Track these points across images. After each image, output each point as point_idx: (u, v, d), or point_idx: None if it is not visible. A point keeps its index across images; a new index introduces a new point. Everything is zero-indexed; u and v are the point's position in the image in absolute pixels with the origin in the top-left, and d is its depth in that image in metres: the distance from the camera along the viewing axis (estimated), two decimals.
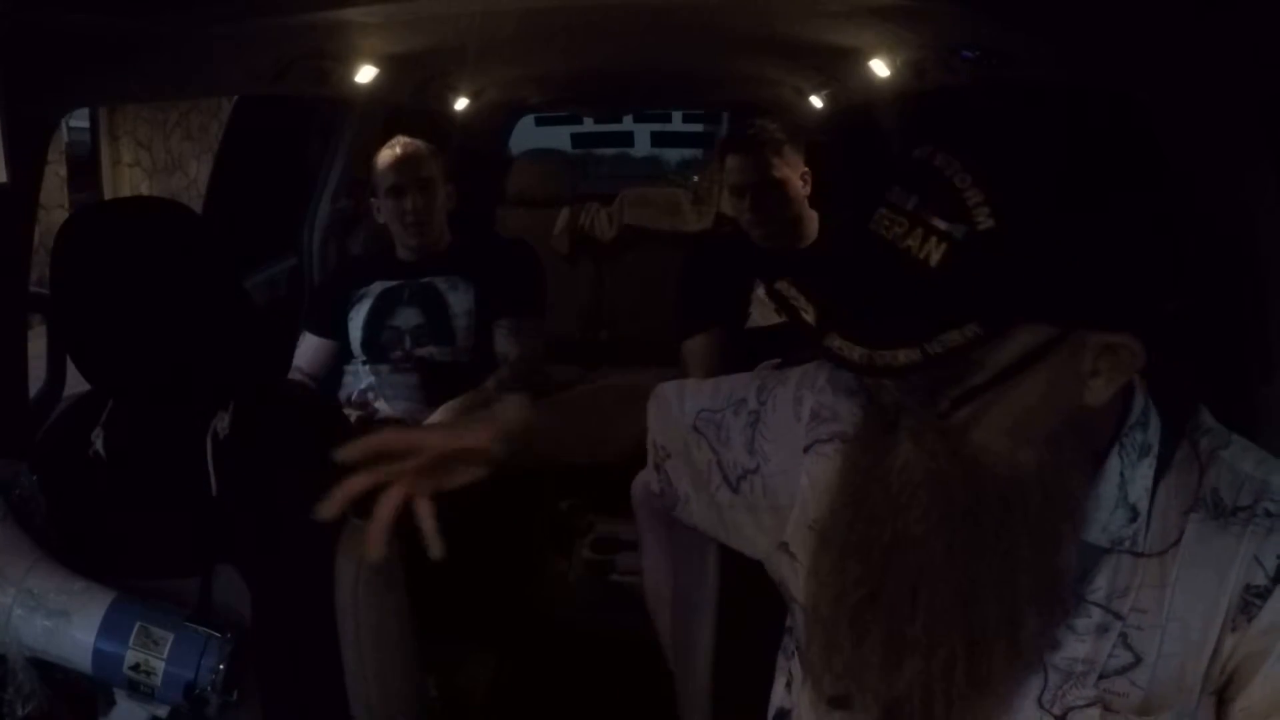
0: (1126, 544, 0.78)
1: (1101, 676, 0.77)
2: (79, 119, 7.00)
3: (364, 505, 1.18)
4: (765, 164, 2.17)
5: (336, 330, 2.29)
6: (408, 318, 2.25)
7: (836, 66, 2.62)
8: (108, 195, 7.11)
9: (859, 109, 2.85)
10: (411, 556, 1.18)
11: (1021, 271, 0.67)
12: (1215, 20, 1.10)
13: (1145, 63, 1.30)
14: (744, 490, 0.95)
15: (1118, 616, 0.77)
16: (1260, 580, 0.75)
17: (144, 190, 7.23)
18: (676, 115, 5.28)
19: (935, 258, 0.68)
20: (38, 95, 1.25)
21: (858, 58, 2.34)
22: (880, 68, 2.29)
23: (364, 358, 2.25)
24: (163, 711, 1.03)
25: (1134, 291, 0.71)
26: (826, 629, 0.83)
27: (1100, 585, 0.78)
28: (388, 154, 2.30)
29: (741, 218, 2.24)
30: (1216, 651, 0.76)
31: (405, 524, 1.19)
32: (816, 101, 3.22)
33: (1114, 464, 0.78)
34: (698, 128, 5.52)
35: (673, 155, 6.07)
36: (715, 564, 1.15)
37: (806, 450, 0.91)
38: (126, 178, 7.49)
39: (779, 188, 2.18)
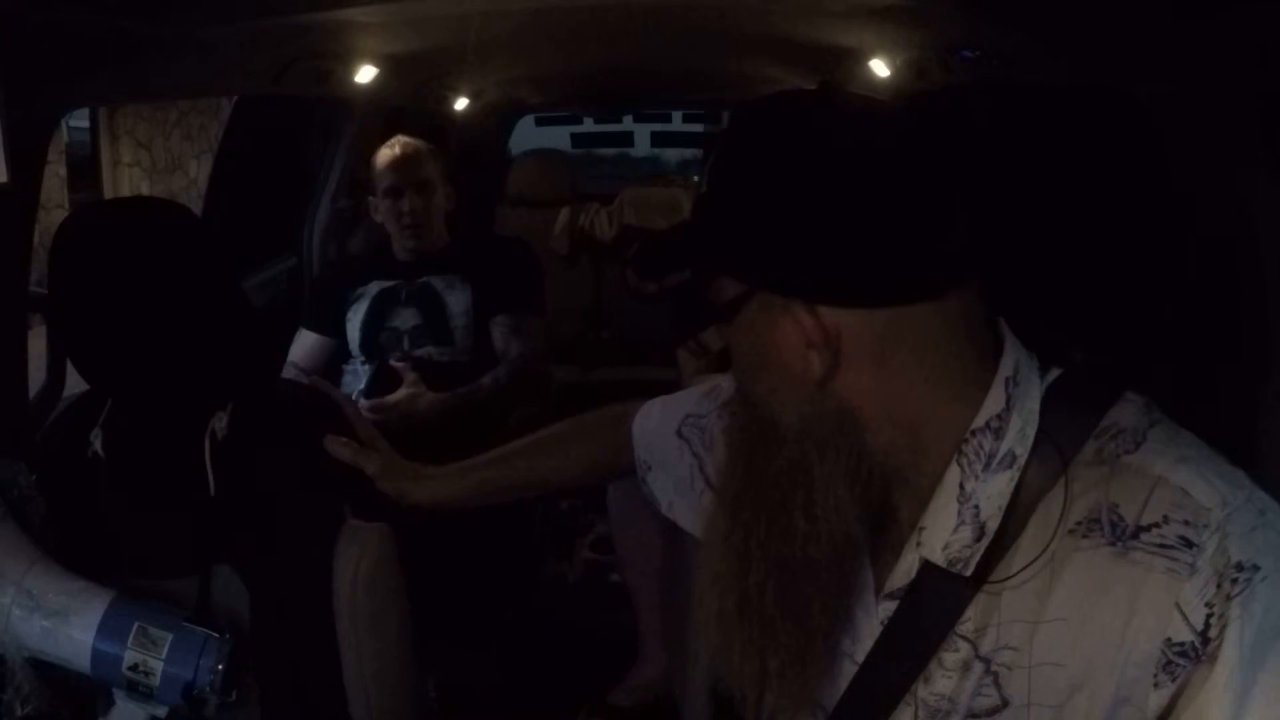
0: (960, 566, 0.71)
1: (969, 716, 0.72)
2: (79, 119, 7.00)
3: (364, 505, 1.19)
4: None
5: (334, 328, 2.29)
6: (406, 318, 2.25)
7: (836, 66, 2.62)
8: (108, 195, 7.11)
9: None
10: (412, 556, 1.18)
11: (717, 228, 0.74)
12: (1215, 20, 1.10)
13: (1145, 62, 1.30)
14: None
15: (978, 654, 0.71)
16: (1184, 635, 0.63)
17: (144, 190, 7.23)
18: (676, 115, 5.27)
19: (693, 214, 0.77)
20: (38, 95, 1.25)
21: (858, 58, 2.34)
22: (880, 68, 2.29)
23: (362, 357, 2.25)
24: (161, 712, 1.03)
25: (799, 262, 0.70)
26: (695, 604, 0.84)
27: (969, 617, 0.72)
28: (386, 154, 2.29)
29: None
30: (1124, 706, 0.66)
31: (405, 524, 1.20)
32: None
33: (952, 473, 0.71)
34: (698, 128, 5.52)
35: (673, 155, 6.06)
36: None
37: None
38: (126, 178, 7.49)
39: None
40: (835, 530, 0.73)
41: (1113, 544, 0.66)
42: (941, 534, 0.72)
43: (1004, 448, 0.70)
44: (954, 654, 0.72)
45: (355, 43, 2.09)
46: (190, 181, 7.75)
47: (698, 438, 1.01)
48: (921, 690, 0.74)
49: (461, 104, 3.37)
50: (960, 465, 0.71)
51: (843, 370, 0.70)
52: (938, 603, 0.73)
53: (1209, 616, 0.63)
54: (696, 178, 4.50)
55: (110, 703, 1.04)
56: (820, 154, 0.70)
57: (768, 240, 0.71)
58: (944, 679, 0.73)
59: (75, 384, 1.28)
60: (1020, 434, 0.71)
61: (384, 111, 2.94)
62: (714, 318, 0.76)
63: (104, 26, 1.26)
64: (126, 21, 1.29)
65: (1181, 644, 0.64)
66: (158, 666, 0.99)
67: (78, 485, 1.12)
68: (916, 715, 0.74)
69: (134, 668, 0.99)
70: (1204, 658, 0.63)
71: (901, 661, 0.75)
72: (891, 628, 0.75)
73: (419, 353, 2.22)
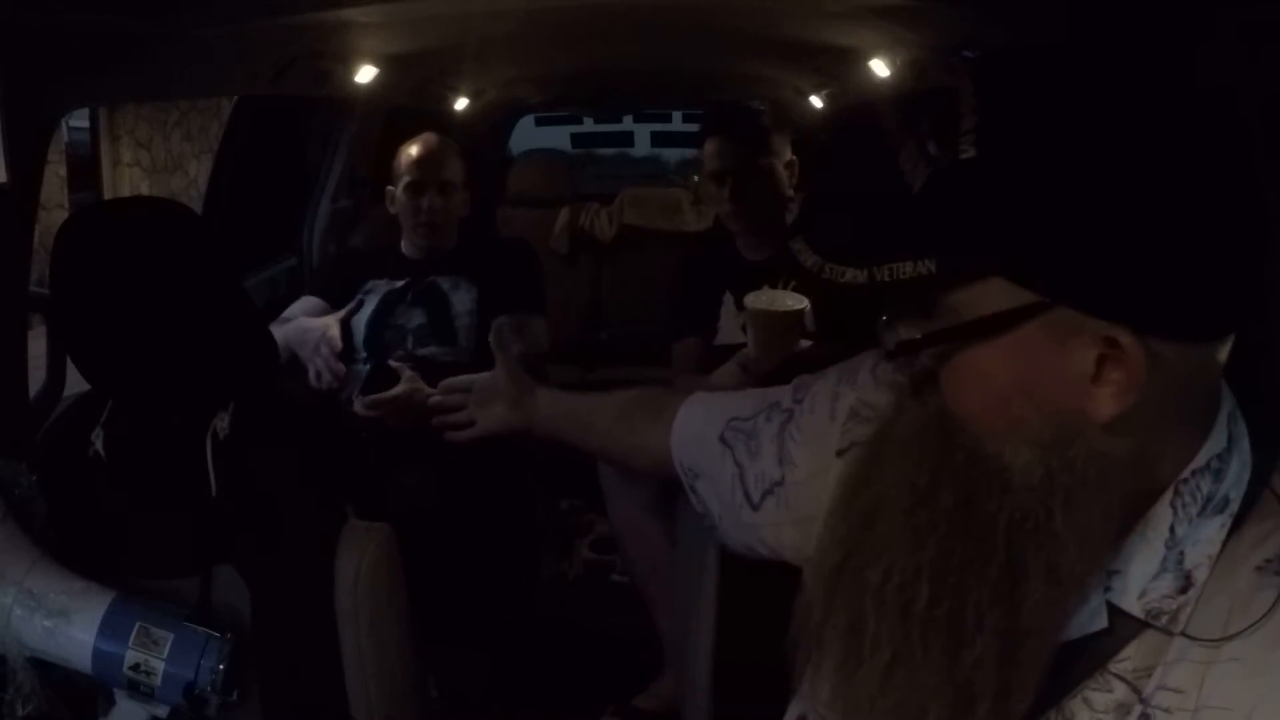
0: (1164, 620, 0.62)
1: None
2: (79, 119, 6.99)
3: (364, 505, 1.19)
4: (747, 150, 1.99)
5: (337, 305, 2.26)
6: (411, 317, 2.23)
7: (836, 66, 2.62)
8: (108, 195, 7.11)
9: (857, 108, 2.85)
10: (412, 556, 1.18)
11: (993, 212, 0.58)
12: (1215, 21, 1.10)
13: (1144, 62, 1.30)
14: (767, 508, 0.87)
15: (1140, 697, 0.63)
16: None
17: (144, 190, 7.23)
18: (676, 115, 5.27)
19: (917, 184, 0.61)
20: (38, 95, 1.25)
21: (858, 58, 2.34)
22: (880, 68, 2.29)
23: (366, 353, 2.23)
24: (162, 711, 1.03)
25: (1140, 277, 0.56)
26: (803, 626, 0.74)
27: (1129, 655, 0.63)
28: (414, 149, 2.25)
29: (720, 209, 2.07)
30: None
31: (406, 524, 1.20)
32: (816, 101, 3.22)
33: (1163, 516, 0.62)
34: (698, 128, 5.50)
35: (673, 155, 6.06)
36: (715, 563, 1.15)
37: (841, 454, 0.80)
38: (126, 178, 7.49)
39: (761, 177, 1.99)
40: (1073, 591, 0.62)
41: None
42: (1139, 580, 0.63)
43: (1221, 491, 0.63)
44: (1107, 694, 0.64)
45: (355, 43, 2.09)
46: (190, 181, 7.75)
47: (742, 444, 0.89)
48: None
49: (461, 104, 3.37)
50: (1174, 507, 0.62)
51: (1132, 415, 0.59)
52: (1102, 646, 0.64)
53: None
54: (696, 178, 4.50)
55: (111, 702, 1.04)
56: (1185, 144, 0.58)
57: (1097, 241, 0.56)
58: None
59: (75, 384, 1.28)
60: (1238, 478, 0.63)
61: (384, 111, 2.94)
62: (971, 332, 0.60)
63: (104, 26, 1.26)
64: (126, 21, 1.29)
65: None
66: (159, 666, 0.99)
67: (78, 485, 1.12)
68: None
69: (135, 667, 0.99)
70: None
71: (1039, 699, 0.65)
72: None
73: (423, 352, 2.20)
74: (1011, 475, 0.61)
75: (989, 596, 0.62)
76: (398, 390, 1.99)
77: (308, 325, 2.13)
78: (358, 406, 1.97)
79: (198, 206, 2.65)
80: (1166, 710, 0.62)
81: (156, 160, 7.71)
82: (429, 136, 2.28)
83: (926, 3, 1.75)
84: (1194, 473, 0.62)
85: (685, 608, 1.25)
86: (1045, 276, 0.58)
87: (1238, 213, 0.58)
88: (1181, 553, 0.62)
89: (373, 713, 1.13)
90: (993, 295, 0.59)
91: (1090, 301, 0.57)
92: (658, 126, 5.36)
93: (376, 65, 2.26)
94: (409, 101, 2.94)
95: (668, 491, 1.36)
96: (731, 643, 1.16)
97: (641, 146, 5.66)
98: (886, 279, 0.61)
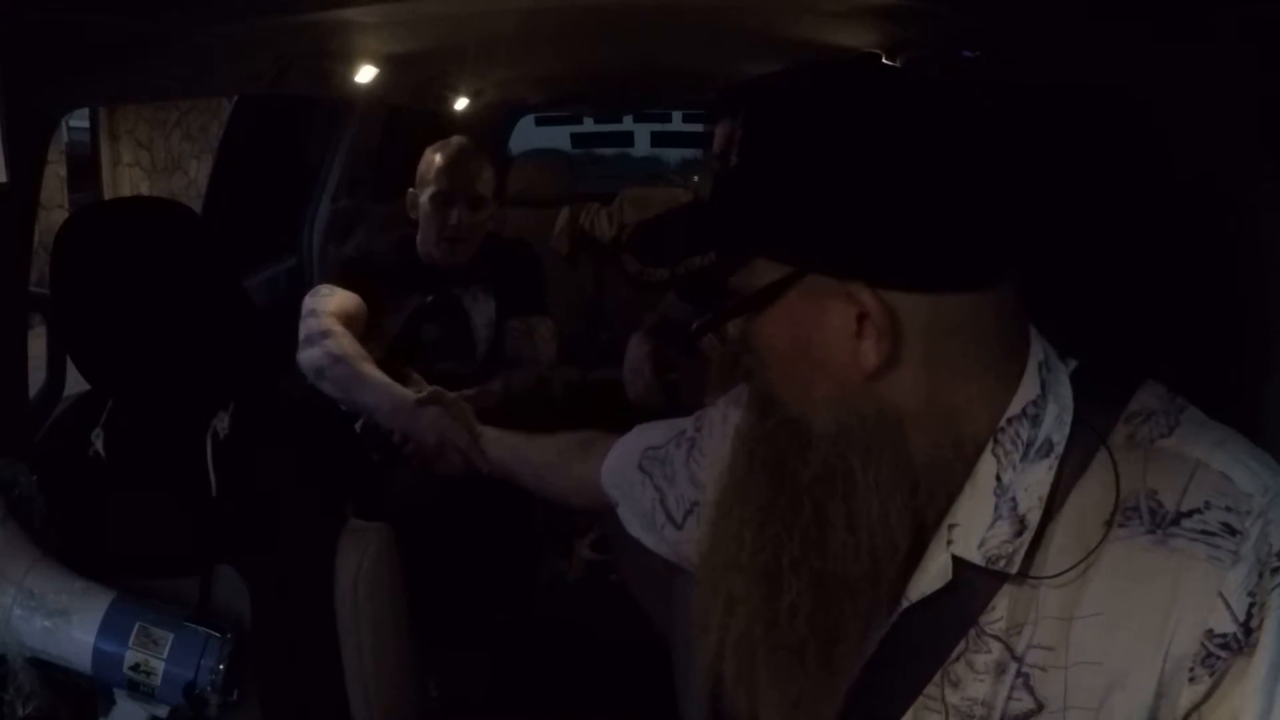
0: (1002, 564, 0.66)
1: None
2: (79, 119, 7.00)
3: (365, 505, 1.19)
4: None
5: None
6: (429, 332, 2.15)
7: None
8: (108, 195, 7.11)
9: None
10: (412, 556, 1.19)
11: (754, 206, 0.68)
12: (1216, 19, 1.11)
13: (1145, 62, 1.30)
14: (689, 525, 0.95)
15: (1013, 655, 0.66)
16: (1227, 626, 0.60)
17: (144, 190, 7.23)
18: (676, 115, 5.28)
19: (707, 193, 0.73)
20: (38, 95, 1.25)
21: None
22: None
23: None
24: (162, 711, 1.03)
25: (863, 241, 0.64)
26: (696, 606, 0.79)
27: (1000, 615, 0.67)
28: (441, 156, 2.06)
29: None
30: (1160, 702, 0.62)
31: (406, 524, 1.20)
32: None
33: (987, 464, 0.66)
34: (698, 128, 5.52)
35: (673, 155, 6.07)
36: None
37: None
38: (126, 178, 7.49)
39: None
40: (879, 543, 0.66)
41: (1151, 532, 0.63)
42: (977, 530, 0.67)
43: (1041, 435, 0.66)
44: (985, 655, 0.67)
45: (355, 43, 2.09)
46: (190, 181, 7.75)
47: (659, 470, 0.99)
48: (950, 696, 0.68)
49: (461, 104, 3.37)
50: (996, 455, 0.66)
51: (893, 362, 0.65)
52: (964, 602, 0.68)
53: (1251, 606, 0.60)
54: (697, 178, 4.50)
55: (111, 702, 1.04)
56: (888, 123, 0.65)
57: (825, 216, 0.65)
58: (976, 682, 0.67)
59: (75, 384, 1.28)
60: (1058, 420, 0.67)
61: (384, 111, 2.94)
62: (746, 306, 0.69)
63: (104, 26, 1.26)
64: (126, 21, 1.29)
65: (1223, 635, 0.61)
66: (159, 666, 0.99)
67: (79, 485, 1.12)
68: None
69: (135, 667, 0.99)
70: (1244, 649, 0.60)
71: (920, 665, 0.70)
72: (905, 630, 0.70)
73: (441, 367, 2.08)
74: (812, 433, 0.67)
75: (799, 544, 0.67)
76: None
77: (410, 405, 1.60)
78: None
79: (198, 206, 2.65)
80: (1041, 668, 0.65)
81: (156, 160, 7.72)
82: (460, 143, 2.10)
83: (926, 3, 1.75)
84: (1009, 420, 0.67)
85: (685, 611, 1.25)
86: (793, 251, 0.67)
87: (962, 177, 0.64)
88: (1014, 498, 0.66)
89: (373, 713, 1.13)
90: (762, 273, 0.68)
91: (829, 265, 0.65)
92: (658, 126, 5.37)
93: (376, 65, 2.26)
94: (409, 101, 2.94)
95: None
96: None
97: (641, 146, 5.66)
98: (683, 271, 0.72)
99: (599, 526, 2.80)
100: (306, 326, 1.87)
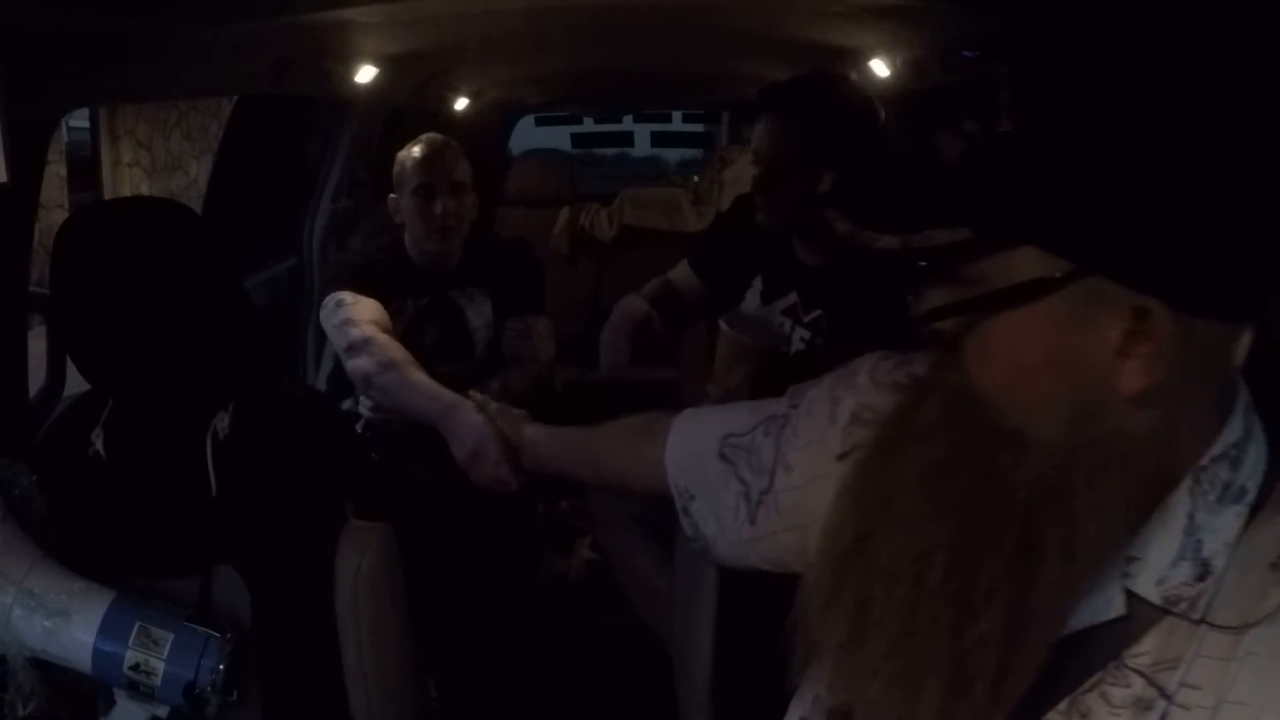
0: (1183, 607, 0.61)
1: None
2: (79, 119, 6.99)
3: (366, 505, 1.19)
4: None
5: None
6: (428, 335, 2.14)
7: (836, 66, 2.61)
8: (108, 195, 7.10)
9: None
10: (412, 556, 1.18)
11: (1029, 183, 0.60)
12: (1216, 19, 1.10)
13: (1143, 62, 1.30)
14: (761, 519, 0.86)
15: (1162, 693, 0.62)
16: None
17: (144, 190, 7.22)
18: (676, 115, 5.28)
19: (953, 155, 0.64)
20: (38, 95, 1.25)
21: (858, 58, 2.34)
22: (880, 68, 2.29)
23: None
24: (162, 711, 1.03)
25: (1177, 251, 0.57)
26: (810, 610, 0.73)
27: (1147, 649, 0.63)
28: (417, 150, 2.10)
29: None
30: None
31: (406, 524, 1.20)
32: None
33: (1181, 501, 0.62)
34: (698, 128, 5.52)
35: (673, 155, 6.07)
36: (715, 566, 1.15)
37: (842, 458, 0.79)
38: (126, 178, 7.48)
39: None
40: (1085, 575, 0.62)
41: None
42: (1158, 567, 0.62)
43: (1239, 480, 0.62)
44: (1124, 689, 0.63)
45: (355, 43, 2.09)
46: (190, 181, 7.75)
47: (744, 460, 0.87)
48: None
49: (461, 104, 3.37)
50: (1193, 494, 0.62)
51: (1157, 390, 0.59)
52: (1117, 636, 0.64)
53: None
54: (696, 178, 4.50)
55: (111, 702, 1.04)
56: (1218, 126, 0.59)
57: (1137, 216, 0.57)
58: (1110, 716, 0.63)
59: (75, 384, 1.28)
60: (1254, 467, 0.63)
61: (384, 111, 2.93)
62: (1003, 299, 0.61)
63: (104, 26, 1.26)
64: (126, 21, 1.29)
65: None
66: (159, 666, 0.99)
67: (79, 485, 1.12)
68: None
69: (135, 667, 0.99)
70: None
71: (1050, 693, 0.65)
72: (1053, 659, 0.64)
73: (441, 370, 2.10)
74: (1033, 451, 0.62)
75: (1002, 572, 0.61)
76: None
77: (457, 410, 1.57)
78: (364, 406, 1.93)
79: (198, 206, 2.64)
80: (1185, 707, 0.61)
81: (156, 160, 7.71)
82: (432, 137, 2.15)
83: (926, 3, 1.75)
84: (1213, 460, 0.62)
85: (685, 611, 1.25)
86: (1079, 245, 0.58)
87: (1261, 202, 0.59)
88: (1199, 540, 0.62)
89: (373, 713, 1.13)
90: (1025, 263, 0.60)
91: (1123, 272, 0.58)
92: (658, 126, 5.37)
93: (376, 65, 2.26)
94: (409, 101, 2.94)
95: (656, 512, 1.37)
96: (731, 644, 1.16)
97: (641, 146, 5.67)
98: (921, 245, 0.62)
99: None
100: (347, 336, 1.88)
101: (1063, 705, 0.64)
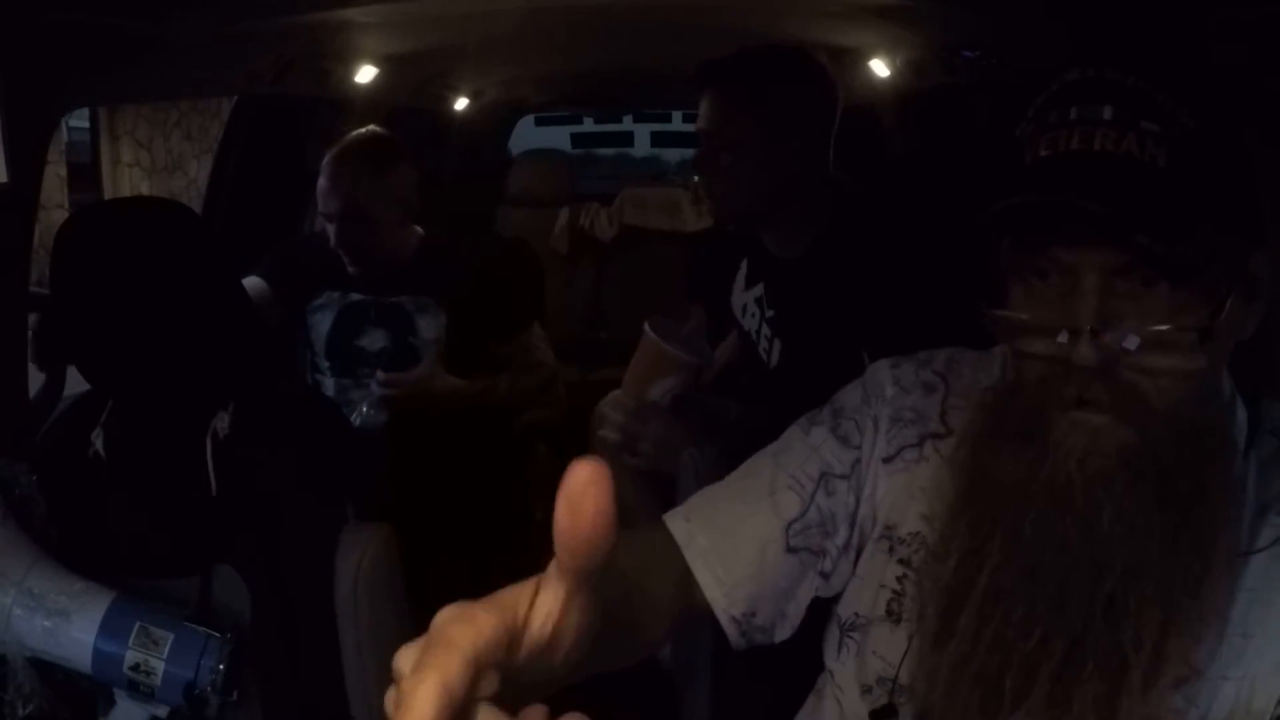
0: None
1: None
2: (79, 119, 6.99)
3: (366, 505, 1.19)
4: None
5: (284, 301, 2.04)
6: (374, 339, 2.00)
7: (836, 66, 2.61)
8: (108, 195, 7.10)
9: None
10: (412, 556, 1.19)
11: (1228, 169, 0.65)
12: (1216, 19, 1.10)
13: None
14: (835, 577, 0.83)
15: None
16: None
17: (144, 190, 7.22)
18: (676, 115, 5.27)
19: (1162, 159, 0.63)
20: (38, 95, 1.25)
21: (858, 58, 2.34)
22: (880, 68, 2.29)
23: (329, 364, 2.04)
24: (162, 711, 1.03)
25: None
26: (923, 626, 0.73)
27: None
28: (323, 170, 1.91)
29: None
30: None
31: (405, 524, 1.20)
32: None
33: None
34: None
35: (673, 155, 6.06)
36: None
37: (890, 460, 0.82)
38: (126, 178, 7.48)
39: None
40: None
41: None
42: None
43: (1233, 433, 0.71)
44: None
45: (355, 43, 2.08)
46: (190, 181, 7.75)
47: (817, 537, 0.82)
48: None
49: (461, 104, 3.37)
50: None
51: None
52: None
53: None
54: (697, 178, 4.51)
55: (111, 702, 1.04)
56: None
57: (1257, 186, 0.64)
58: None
59: (75, 384, 1.28)
60: (1242, 422, 0.72)
61: (384, 111, 2.93)
62: (1249, 288, 0.66)
63: (104, 26, 1.26)
64: (126, 21, 1.29)
65: None
66: (159, 666, 0.99)
67: (78, 485, 1.12)
68: None
69: (135, 667, 0.99)
70: None
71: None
72: None
73: (387, 377, 1.95)
74: (1208, 444, 0.67)
75: (1192, 545, 0.65)
76: (418, 372, 1.87)
77: None
78: (375, 384, 1.87)
79: (198, 206, 2.64)
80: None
81: (156, 160, 7.71)
82: (340, 151, 1.91)
83: (926, 3, 1.75)
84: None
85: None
86: (1246, 220, 0.66)
87: None
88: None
89: (373, 713, 1.13)
90: (1224, 281, 0.65)
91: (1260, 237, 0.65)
92: (658, 126, 5.36)
93: (376, 65, 2.26)
94: (409, 101, 2.94)
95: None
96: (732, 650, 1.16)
97: (641, 146, 5.66)
98: (1195, 251, 0.63)
99: None
100: None
101: None
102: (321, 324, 2.03)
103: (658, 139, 5.54)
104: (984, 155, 0.76)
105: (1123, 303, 0.65)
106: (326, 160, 1.92)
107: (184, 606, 1.05)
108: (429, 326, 1.99)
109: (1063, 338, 0.65)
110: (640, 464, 1.44)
